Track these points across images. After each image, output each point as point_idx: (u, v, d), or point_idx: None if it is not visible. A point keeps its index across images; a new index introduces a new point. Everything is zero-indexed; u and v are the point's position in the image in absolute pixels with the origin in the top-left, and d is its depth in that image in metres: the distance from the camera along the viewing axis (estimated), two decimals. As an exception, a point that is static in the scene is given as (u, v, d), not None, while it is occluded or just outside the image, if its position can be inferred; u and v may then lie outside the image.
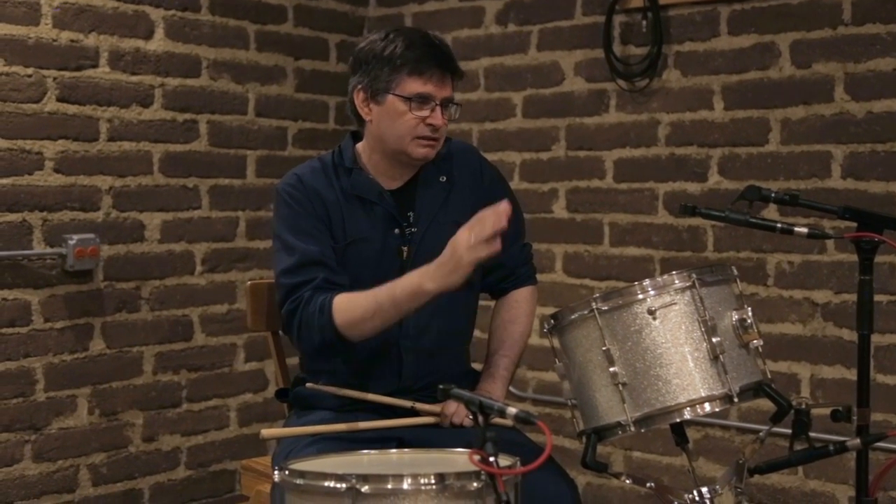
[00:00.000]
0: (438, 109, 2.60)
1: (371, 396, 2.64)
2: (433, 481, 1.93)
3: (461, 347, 2.81)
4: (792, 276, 3.73)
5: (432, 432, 2.58)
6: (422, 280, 2.45)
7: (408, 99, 2.59)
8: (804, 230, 2.54)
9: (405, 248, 2.67)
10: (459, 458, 2.11)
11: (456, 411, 2.60)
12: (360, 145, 2.75)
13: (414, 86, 2.59)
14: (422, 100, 2.59)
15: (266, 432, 2.59)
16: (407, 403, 2.63)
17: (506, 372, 2.74)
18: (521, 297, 2.84)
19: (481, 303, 2.86)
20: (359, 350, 2.62)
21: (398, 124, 2.61)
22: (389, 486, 1.93)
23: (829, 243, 3.62)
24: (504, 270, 2.81)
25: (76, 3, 3.89)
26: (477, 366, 2.84)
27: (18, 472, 3.80)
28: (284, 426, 2.76)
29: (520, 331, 2.80)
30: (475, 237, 2.38)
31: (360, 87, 2.66)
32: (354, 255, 2.65)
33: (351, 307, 2.53)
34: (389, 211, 2.67)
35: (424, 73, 2.59)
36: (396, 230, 2.67)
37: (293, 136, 4.62)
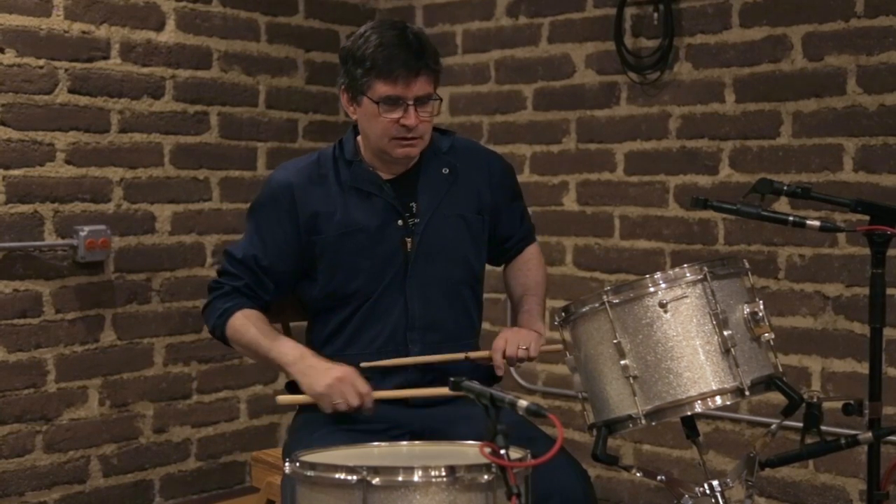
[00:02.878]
0: (412, 109, 2.57)
1: (423, 358, 2.66)
2: (444, 473, 1.94)
3: (469, 340, 2.80)
4: (803, 270, 3.72)
5: (444, 424, 2.58)
6: (293, 361, 2.59)
7: (376, 102, 2.57)
8: (816, 223, 2.53)
9: (409, 240, 2.68)
10: (470, 451, 2.11)
11: (506, 346, 2.61)
12: (360, 138, 2.75)
13: (382, 89, 2.56)
14: (391, 102, 2.57)
15: (282, 398, 2.64)
16: (459, 356, 2.65)
17: (539, 307, 2.82)
18: (528, 255, 2.93)
19: (492, 293, 2.85)
20: (366, 343, 2.65)
21: (374, 125, 2.61)
22: (400, 479, 1.94)
23: (841, 236, 3.61)
24: (504, 234, 2.86)
25: (87, -5, 3.90)
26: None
27: (30, 463, 3.81)
28: (295, 418, 2.76)
29: (538, 276, 2.91)
30: (349, 399, 2.49)
31: (343, 86, 2.67)
32: (349, 245, 2.66)
33: (240, 330, 2.65)
34: (390, 202, 2.67)
35: (391, 75, 2.55)
36: (399, 221, 2.67)
37: (304, 128, 4.62)
